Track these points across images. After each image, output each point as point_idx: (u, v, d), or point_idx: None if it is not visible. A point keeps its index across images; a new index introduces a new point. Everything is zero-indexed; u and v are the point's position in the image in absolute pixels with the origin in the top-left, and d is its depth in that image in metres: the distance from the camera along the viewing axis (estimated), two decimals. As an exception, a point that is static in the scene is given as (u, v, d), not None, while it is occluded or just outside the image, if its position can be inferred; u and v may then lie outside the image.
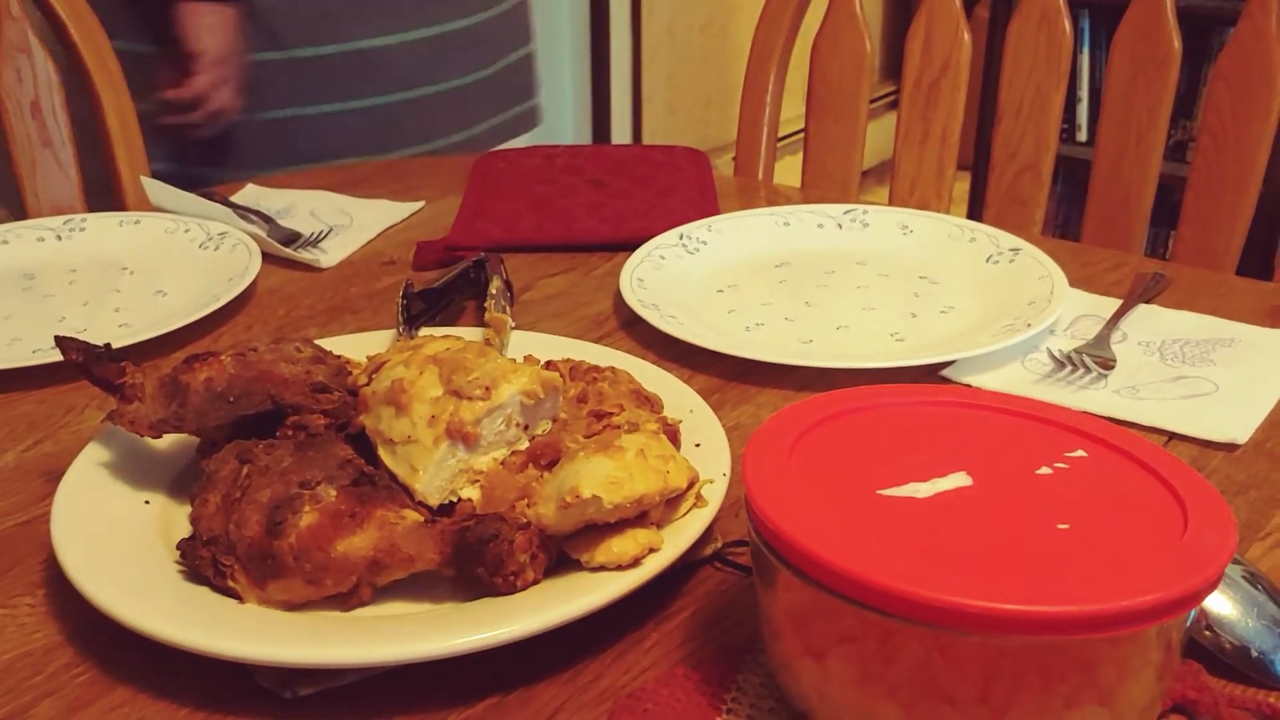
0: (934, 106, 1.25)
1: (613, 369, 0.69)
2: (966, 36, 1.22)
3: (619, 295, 0.91)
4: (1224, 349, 0.83)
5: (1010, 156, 1.23)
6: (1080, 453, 0.51)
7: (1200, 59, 2.47)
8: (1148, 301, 0.91)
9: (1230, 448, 0.71)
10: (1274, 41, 1.07)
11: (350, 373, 0.67)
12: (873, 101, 1.37)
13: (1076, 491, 0.49)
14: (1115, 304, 0.90)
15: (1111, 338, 0.84)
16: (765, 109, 1.31)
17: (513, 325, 0.83)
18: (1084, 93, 2.81)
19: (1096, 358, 0.81)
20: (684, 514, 0.59)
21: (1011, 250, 0.97)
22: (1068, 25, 1.18)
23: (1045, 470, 0.50)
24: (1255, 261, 2.28)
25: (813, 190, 1.30)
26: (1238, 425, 0.73)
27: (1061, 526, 0.46)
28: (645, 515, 0.57)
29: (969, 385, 0.79)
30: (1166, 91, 1.14)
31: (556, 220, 1.08)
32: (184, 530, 0.59)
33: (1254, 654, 0.54)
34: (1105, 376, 0.80)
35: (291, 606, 0.55)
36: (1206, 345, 0.83)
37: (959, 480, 0.49)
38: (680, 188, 1.14)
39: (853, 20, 1.27)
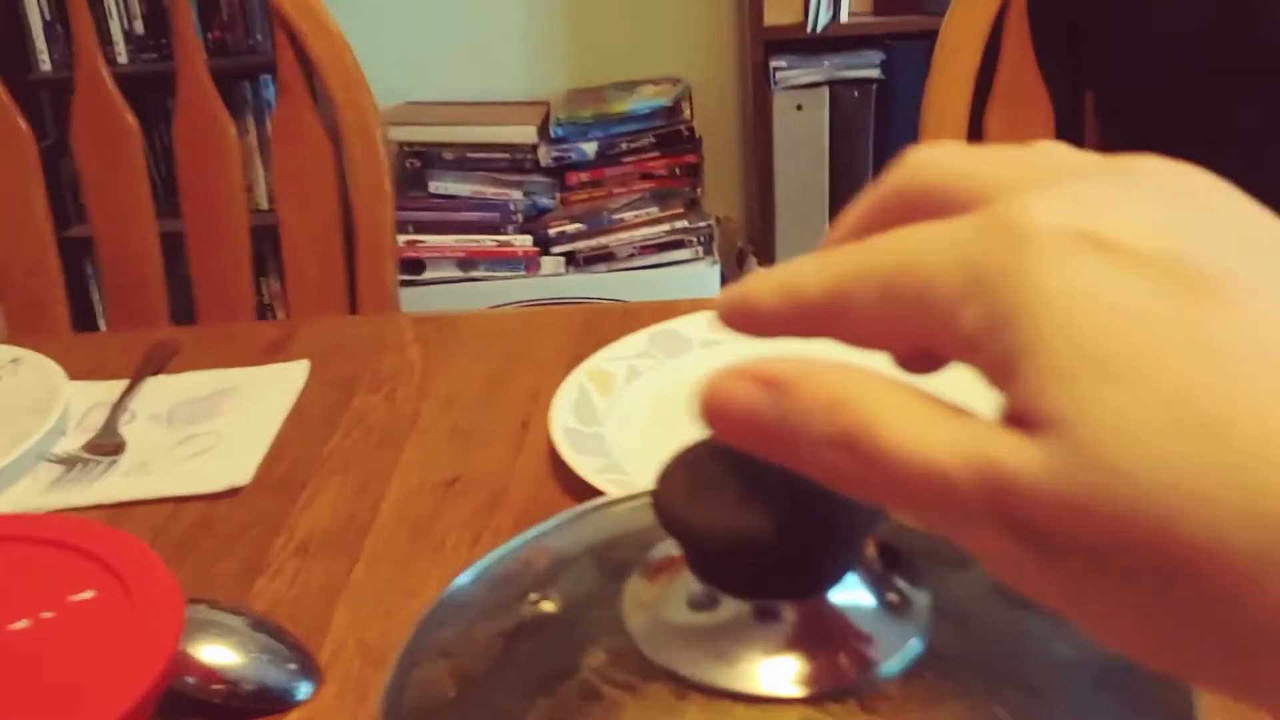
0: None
1: None
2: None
3: None
4: (227, 398, 0.87)
5: (11, 261, 1.19)
6: None
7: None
8: (156, 373, 0.92)
9: (235, 493, 0.75)
10: (214, 102, 1.14)
11: None
12: None
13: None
14: (125, 385, 0.90)
15: (120, 420, 0.85)
16: None
17: None
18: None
19: (100, 447, 0.80)
20: None
21: (12, 361, 0.93)
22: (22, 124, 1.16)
23: None
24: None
25: None
26: (239, 470, 0.77)
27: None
28: None
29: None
30: (136, 164, 1.16)
31: None
32: None
33: (255, 688, 0.57)
34: (116, 461, 0.80)
35: None
36: (211, 399, 0.87)
37: None
38: None
39: None
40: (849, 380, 0.23)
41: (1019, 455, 0.20)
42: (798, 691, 0.29)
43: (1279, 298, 0.20)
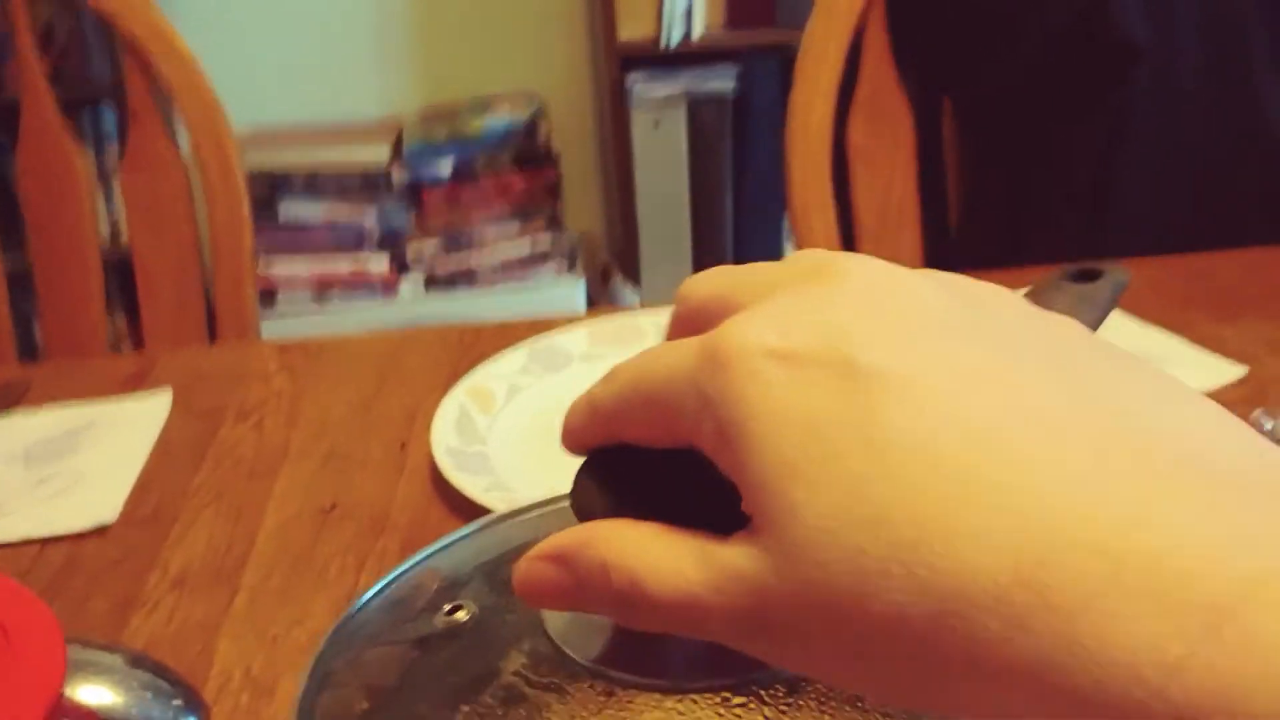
0: None
1: None
2: None
3: None
4: (86, 434, 0.83)
5: None
6: None
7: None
8: (7, 410, 0.88)
9: (103, 530, 0.72)
10: (62, 133, 1.10)
11: None
12: None
13: None
14: (-27, 425, 0.86)
15: (-28, 462, 0.81)
16: None
17: None
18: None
19: (-48, 491, 0.77)
20: None
21: None
22: None
23: None
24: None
25: None
26: (105, 507, 0.74)
27: None
28: None
29: None
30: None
31: None
32: None
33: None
34: (-30, 505, 0.76)
35: None
36: (69, 435, 0.83)
37: None
38: None
39: None
40: (612, 542, 0.27)
41: (747, 559, 0.24)
42: (724, 680, 0.29)
43: (936, 384, 0.24)
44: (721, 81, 2.30)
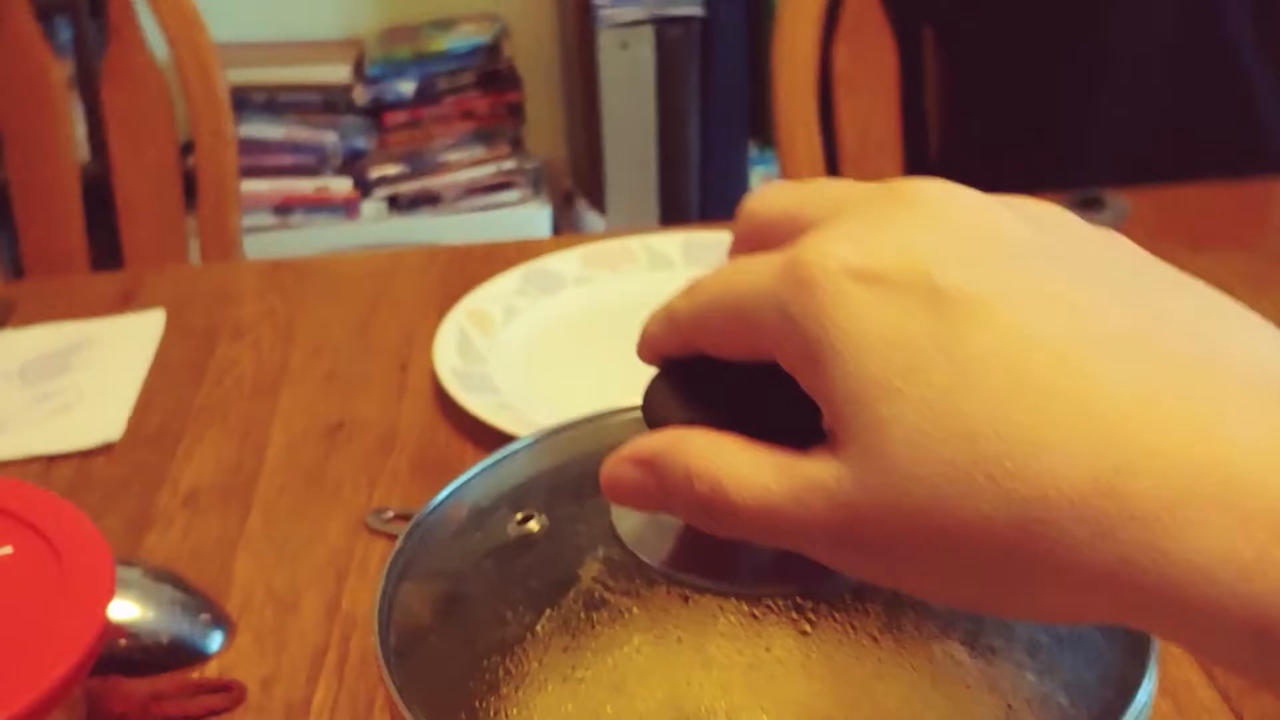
0: None
1: None
2: None
3: None
4: (81, 351, 0.84)
5: None
6: None
7: None
8: (-2, 329, 0.88)
9: (109, 448, 0.73)
10: (39, 44, 1.08)
11: None
12: None
13: None
14: (-35, 344, 0.86)
15: (-32, 381, 0.81)
16: None
17: None
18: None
19: (-47, 409, 0.77)
20: None
21: None
22: None
23: None
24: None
25: None
26: (109, 424, 0.74)
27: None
28: None
29: None
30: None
31: None
32: None
33: (170, 640, 0.56)
34: (-29, 423, 0.76)
35: None
36: (65, 354, 0.84)
37: None
38: None
39: None
40: (695, 449, 0.28)
41: (831, 473, 0.26)
42: (792, 585, 0.31)
43: (1016, 306, 0.25)
44: (688, 4, 2.28)
